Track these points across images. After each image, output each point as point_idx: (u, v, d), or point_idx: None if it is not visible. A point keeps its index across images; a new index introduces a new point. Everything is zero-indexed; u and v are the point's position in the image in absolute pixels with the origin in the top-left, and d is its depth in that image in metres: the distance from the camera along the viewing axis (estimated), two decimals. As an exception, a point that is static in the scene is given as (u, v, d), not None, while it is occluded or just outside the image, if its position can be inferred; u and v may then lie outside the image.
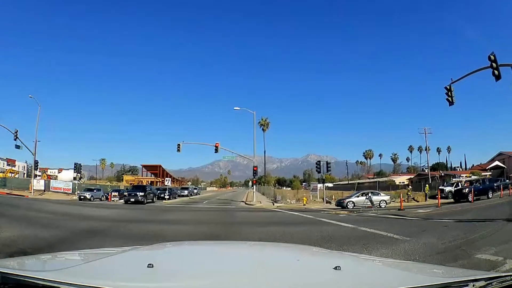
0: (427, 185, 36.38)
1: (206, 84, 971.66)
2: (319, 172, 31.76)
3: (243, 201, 34.85)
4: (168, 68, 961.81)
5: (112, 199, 36.90)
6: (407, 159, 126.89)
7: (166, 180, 44.89)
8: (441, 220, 13.60)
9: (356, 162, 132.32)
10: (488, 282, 1.44)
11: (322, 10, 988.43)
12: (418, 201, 31.40)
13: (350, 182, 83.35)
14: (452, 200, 28.43)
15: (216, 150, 34.58)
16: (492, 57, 15.43)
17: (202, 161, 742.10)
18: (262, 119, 70.85)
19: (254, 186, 37.79)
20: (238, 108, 36.92)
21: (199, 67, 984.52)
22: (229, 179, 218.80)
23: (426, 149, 52.23)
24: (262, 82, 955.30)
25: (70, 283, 1.29)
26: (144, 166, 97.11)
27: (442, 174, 60.30)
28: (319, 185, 37.23)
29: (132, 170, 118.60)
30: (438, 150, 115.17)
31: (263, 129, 70.75)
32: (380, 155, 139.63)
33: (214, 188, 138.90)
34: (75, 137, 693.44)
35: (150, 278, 1.50)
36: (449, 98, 17.53)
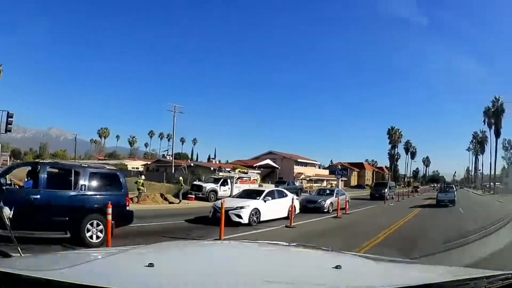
0: (180, 178, 24.23)
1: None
2: None
3: None
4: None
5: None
6: (146, 145, 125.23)
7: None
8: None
9: (90, 140, 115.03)
10: (489, 281, 1.42)
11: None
12: (170, 201, 20.77)
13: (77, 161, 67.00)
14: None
15: None
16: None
17: None
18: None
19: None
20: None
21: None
22: None
23: (172, 134, 43.62)
24: None
25: (71, 282, 1.25)
26: None
27: (192, 164, 51.92)
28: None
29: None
30: (182, 140, 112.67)
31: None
32: (118, 137, 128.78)
33: None
34: None
35: (150, 277, 1.47)
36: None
